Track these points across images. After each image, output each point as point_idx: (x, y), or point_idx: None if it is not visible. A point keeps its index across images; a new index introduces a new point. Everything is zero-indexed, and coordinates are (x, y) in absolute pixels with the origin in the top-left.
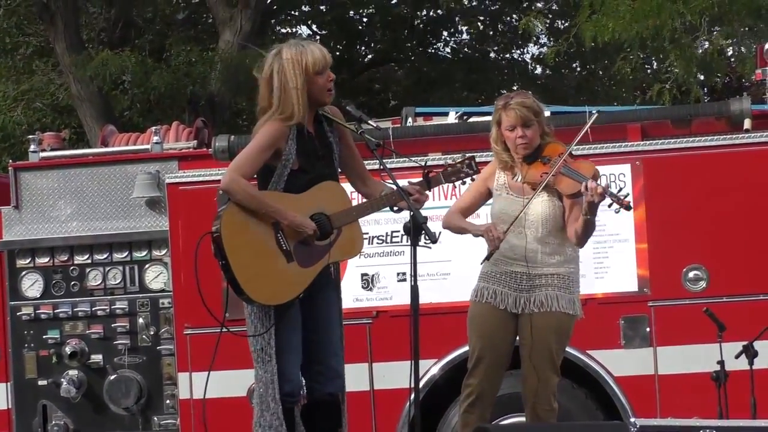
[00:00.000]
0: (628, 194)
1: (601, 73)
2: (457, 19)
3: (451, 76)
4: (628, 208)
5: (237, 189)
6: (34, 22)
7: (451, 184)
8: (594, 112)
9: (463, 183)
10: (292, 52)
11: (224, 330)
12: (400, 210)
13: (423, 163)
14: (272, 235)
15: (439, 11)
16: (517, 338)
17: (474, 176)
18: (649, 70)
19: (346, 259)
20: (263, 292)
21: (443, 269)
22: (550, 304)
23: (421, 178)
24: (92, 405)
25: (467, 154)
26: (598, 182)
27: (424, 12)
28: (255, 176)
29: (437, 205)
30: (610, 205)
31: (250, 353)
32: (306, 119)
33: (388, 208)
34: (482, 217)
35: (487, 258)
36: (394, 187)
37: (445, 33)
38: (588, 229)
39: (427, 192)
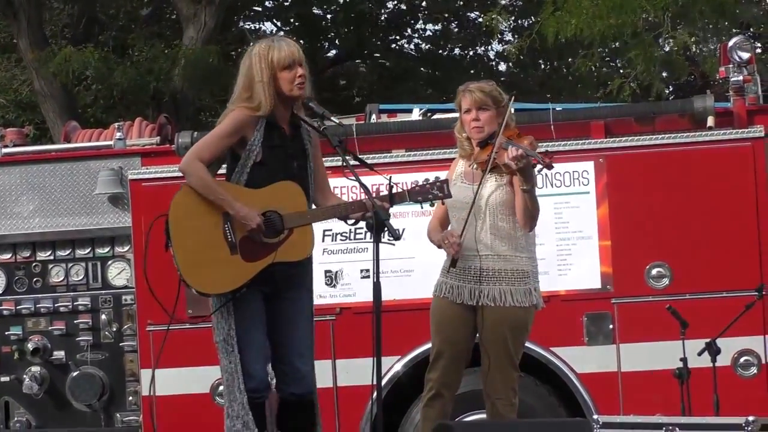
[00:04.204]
0: (551, 153)
1: (565, 71)
2: (419, 14)
3: (415, 72)
4: (549, 166)
5: (191, 171)
6: None
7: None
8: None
9: (432, 204)
10: (261, 47)
11: (170, 325)
12: (356, 222)
13: (388, 178)
14: (220, 225)
15: (402, 5)
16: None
17: (443, 200)
18: (612, 66)
19: (291, 260)
20: (201, 280)
21: (406, 266)
22: (504, 298)
23: (386, 192)
24: (55, 401)
25: (441, 178)
26: (519, 147)
27: (388, 7)
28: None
29: None
30: (539, 170)
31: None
32: (280, 115)
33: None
34: None
35: (452, 265)
36: (364, 201)
37: (408, 30)
38: (528, 204)
39: (388, 206)
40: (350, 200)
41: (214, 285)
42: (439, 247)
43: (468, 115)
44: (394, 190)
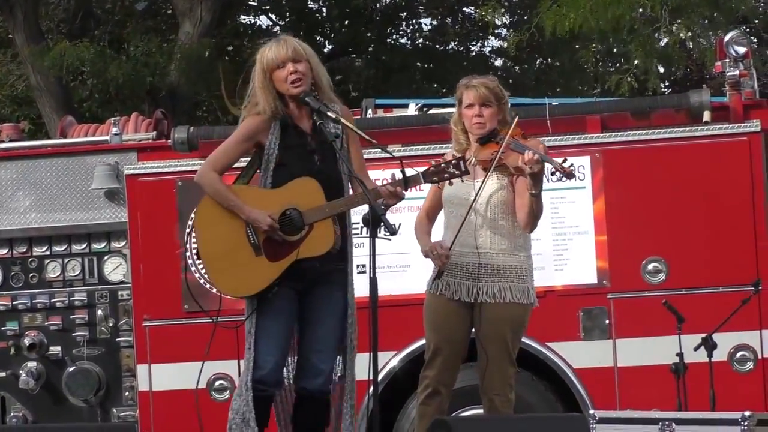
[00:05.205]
0: (571, 164)
1: (558, 65)
2: (415, 9)
3: (411, 67)
4: (570, 175)
5: (205, 182)
6: None
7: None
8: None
9: (450, 184)
10: (261, 51)
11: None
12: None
13: (400, 160)
14: (243, 229)
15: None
16: (473, 330)
17: (462, 177)
18: (609, 63)
19: (315, 255)
20: (229, 284)
21: (403, 261)
22: (503, 295)
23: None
24: (51, 397)
25: (456, 155)
26: (536, 152)
27: (383, 2)
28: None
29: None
30: (553, 173)
31: None
32: (294, 114)
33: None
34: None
35: (437, 277)
36: (377, 187)
37: (404, 24)
38: (534, 207)
39: (402, 191)
40: (368, 189)
41: (243, 288)
42: (426, 256)
43: (470, 110)
44: (408, 174)
